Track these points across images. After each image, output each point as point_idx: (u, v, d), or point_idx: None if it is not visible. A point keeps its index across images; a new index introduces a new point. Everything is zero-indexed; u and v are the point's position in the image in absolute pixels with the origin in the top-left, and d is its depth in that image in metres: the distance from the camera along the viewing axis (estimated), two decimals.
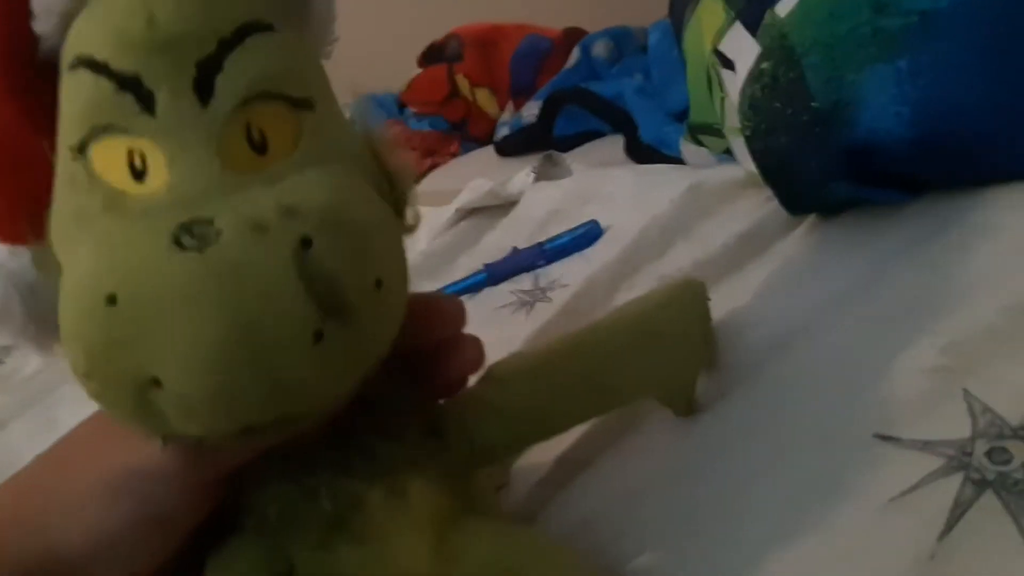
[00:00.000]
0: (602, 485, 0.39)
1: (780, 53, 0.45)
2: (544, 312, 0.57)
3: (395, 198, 0.30)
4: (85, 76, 0.26)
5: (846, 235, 0.46)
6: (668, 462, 0.38)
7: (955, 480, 0.28)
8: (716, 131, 0.64)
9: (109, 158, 0.26)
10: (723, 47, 0.52)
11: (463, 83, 1.35)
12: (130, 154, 0.25)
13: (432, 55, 1.43)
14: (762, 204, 0.55)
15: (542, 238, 0.68)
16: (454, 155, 1.34)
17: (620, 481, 0.38)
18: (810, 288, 0.43)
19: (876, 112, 0.40)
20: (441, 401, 0.35)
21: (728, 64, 0.52)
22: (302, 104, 0.28)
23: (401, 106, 1.47)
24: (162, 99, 0.25)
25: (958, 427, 0.30)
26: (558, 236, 0.67)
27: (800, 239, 0.49)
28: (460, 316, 0.35)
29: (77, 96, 0.26)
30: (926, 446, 0.30)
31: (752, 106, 0.46)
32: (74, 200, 0.26)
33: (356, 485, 0.30)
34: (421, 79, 1.41)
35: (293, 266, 0.23)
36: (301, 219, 0.24)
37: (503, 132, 1.20)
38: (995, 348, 0.32)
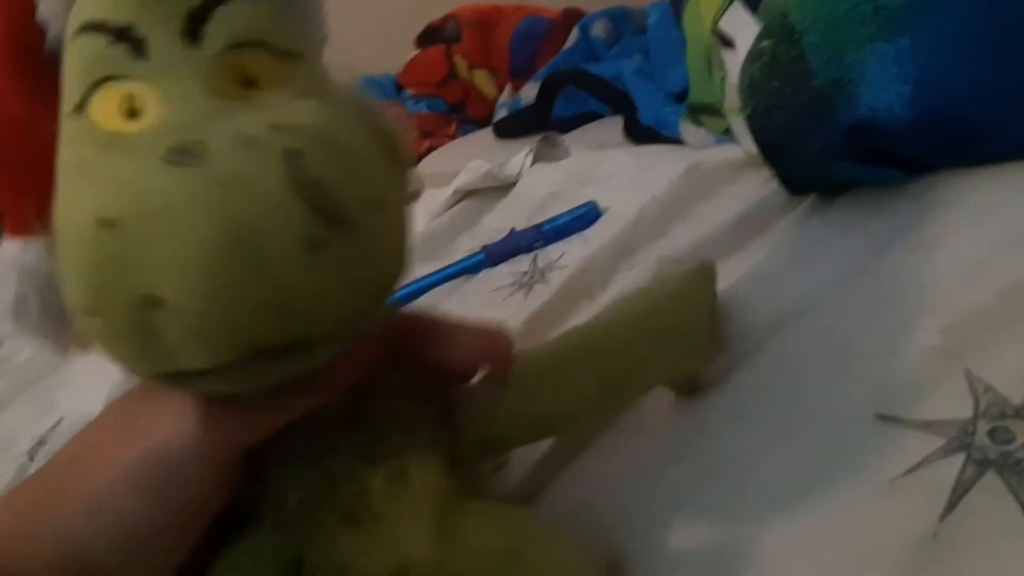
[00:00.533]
0: (602, 466, 0.39)
1: (780, 31, 0.44)
2: (542, 294, 0.57)
3: (394, 160, 0.29)
4: (83, 40, 0.27)
5: (846, 215, 0.45)
6: (668, 442, 0.38)
7: (957, 460, 0.28)
8: (716, 111, 0.64)
9: (106, 107, 0.26)
10: (723, 26, 0.52)
11: (461, 64, 1.34)
12: (126, 99, 0.26)
13: (429, 36, 1.42)
14: (762, 184, 0.54)
15: (540, 219, 0.68)
16: (452, 137, 1.34)
17: (620, 462, 0.38)
18: (810, 268, 0.43)
19: (877, 91, 0.40)
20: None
21: (728, 43, 0.51)
22: (291, 55, 0.28)
23: (399, 88, 1.46)
24: (153, 43, 0.26)
25: (960, 407, 0.30)
26: (556, 217, 0.67)
27: (800, 219, 0.49)
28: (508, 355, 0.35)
29: (77, 60, 0.27)
30: (928, 426, 0.30)
31: (752, 85, 0.46)
32: (75, 155, 0.26)
33: (359, 470, 0.30)
34: (418, 60, 1.40)
35: (284, 173, 0.23)
36: (291, 133, 0.24)
37: (501, 114, 1.20)
38: (996, 328, 0.32)
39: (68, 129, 0.27)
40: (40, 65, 0.29)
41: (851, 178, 0.45)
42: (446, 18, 1.39)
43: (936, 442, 0.29)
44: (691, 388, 0.39)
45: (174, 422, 0.28)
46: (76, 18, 0.27)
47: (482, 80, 1.33)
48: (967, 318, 0.33)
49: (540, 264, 0.63)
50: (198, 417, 0.28)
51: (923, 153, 0.42)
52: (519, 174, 0.80)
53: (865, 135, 0.41)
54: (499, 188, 0.82)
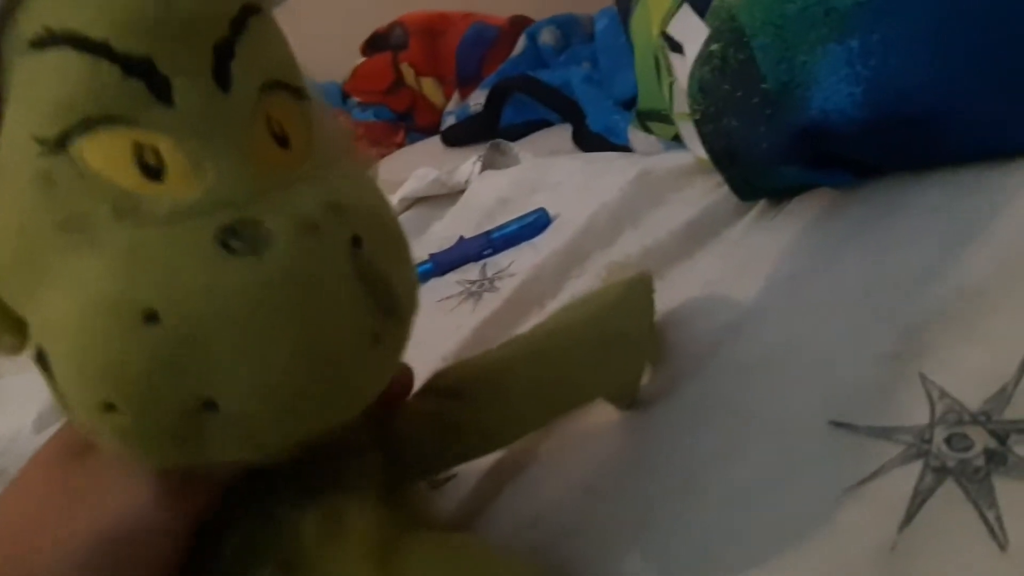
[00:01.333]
0: (552, 479, 0.37)
1: (730, 34, 0.44)
2: (492, 302, 0.56)
3: None
4: (69, 56, 0.22)
5: (797, 220, 0.45)
6: (620, 454, 0.37)
7: (914, 468, 0.27)
8: (665, 117, 0.64)
9: (110, 154, 0.22)
10: (671, 30, 0.51)
11: (408, 72, 1.33)
12: (138, 149, 0.22)
13: (376, 43, 1.40)
14: (712, 190, 0.54)
15: (489, 227, 0.67)
16: (400, 145, 1.32)
17: (571, 475, 0.37)
18: (761, 274, 0.42)
19: (828, 93, 0.39)
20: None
21: (677, 47, 0.51)
22: (302, 94, 0.26)
23: (345, 95, 1.45)
24: (180, 87, 0.22)
25: (916, 413, 0.29)
26: (505, 225, 0.66)
27: (750, 225, 0.49)
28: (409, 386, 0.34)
29: (54, 79, 0.22)
30: (883, 433, 0.29)
31: (702, 89, 0.45)
32: (57, 205, 0.22)
33: (292, 513, 0.28)
34: (365, 68, 1.39)
35: (351, 267, 0.22)
36: (350, 217, 0.22)
37: (449, 121, 1.19)
38: (951, 332, 0.31)
39: (36, 166, 0.22)
40: None
41: (802, 181, 0.44)
42: (393, 25, 1.37)
43: (893, 450, 0.28)
44: (630, 402, 0.38)
45: (128, 497, 0.25)
46: (44, 14, 0.22)
47: (429, 88, 1.32)
48: (921, 322, 0.33)
49: (489, 272, 0.62)
50: (155, 490, 0.25)
51: (874, 155, 0.41)
52: (467, 181, 0.80)
53: (816, 138, 0.41)
54: (447, 195, 0.81)
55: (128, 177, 0.22)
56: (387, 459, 0.31)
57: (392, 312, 0.23)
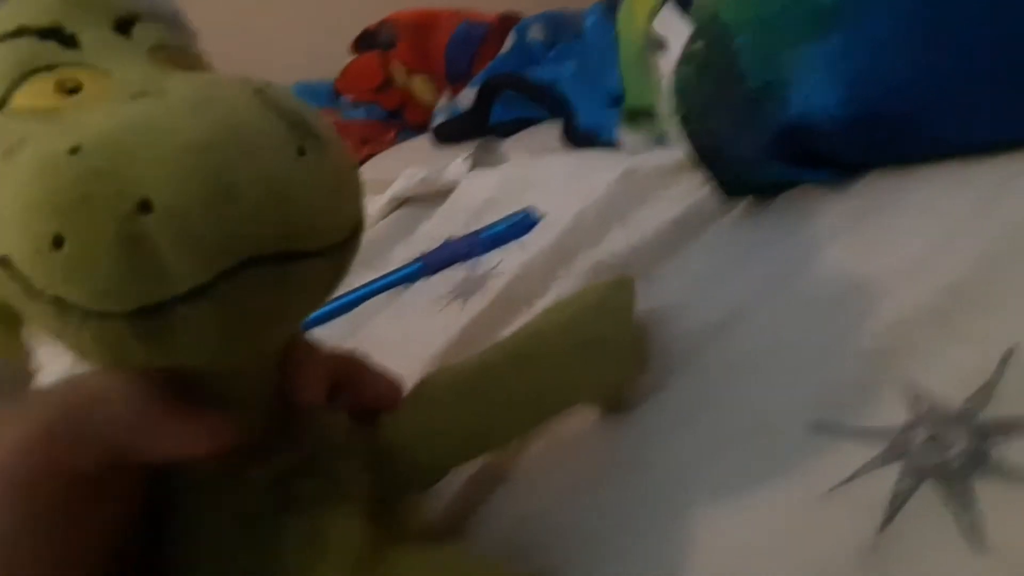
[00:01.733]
0: (536, 484, 0.37)
1: (713, 32, 0.44)
2: (480, 302, 0.55)
3: None
4: (2, 49, 0.27)
5: (781, 217, 0.45)
6: (603, 457, 0.36)
7: (894, 470, 0.27)
8: (651, 114, 0.63)
9: (34, 92, 0.26)
10: (656, 28, 0.51)
11: (398, 70, 1.33)
12: (60, 83, 0.26)
13: (366, 41, 1.40)
14: (697, 187, 0.54)
15: (478, 226, 0.67)
16: (391, 143, 1.32)
17: (557, 477, 0.37)
18: (745, 272, 0.42)
19: (810, 91, 0.39)
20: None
21: (661, 45, 0.51)
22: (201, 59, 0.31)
23: (336, 94, 1.44)
24: (86, 36, 0.27)
25: (895, 414, 0.29)
26: (494, 224, 0.66)
27: (735, 222, 0.49)
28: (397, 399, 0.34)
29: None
30: (864, 434, 0.29)
31: (685, 87, 0.45)
32: (10, 138, 0.24)
33: (270, 526, 0.28)
34: (355, 66, 1.39)
35: (258, 98, 0.24)
36: (253, 82, 0.25)
37: (439, 119, 1.18)
38: (931, 332, 0.31)
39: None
40: None
41: (786, 180, 0.44)
42: (382, 23, 1.37)
43: (872, 451, 0.28)
44: (616, 404, 0.38)
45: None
46: None
47: (420, 85, 1.32)
48: (903, 321, 0.32)
49: (478, 272, 0.62)
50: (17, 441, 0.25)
51: (857, 153, 0.41)
52: (456, 181, 0.79)
53: (799, 136, 0.41)
54: (436, 195, 0.81)
55: (50, 101, 0.26)
56: (377, 469, 0.31)
57: (311, 136, 0.24)
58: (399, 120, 1.36)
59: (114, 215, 0.22)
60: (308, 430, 0.30)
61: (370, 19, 1.40)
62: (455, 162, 0.82)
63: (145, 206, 0.22)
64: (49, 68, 0.26)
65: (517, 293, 0.55)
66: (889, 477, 0.27)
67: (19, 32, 0.27)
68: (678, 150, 0.56)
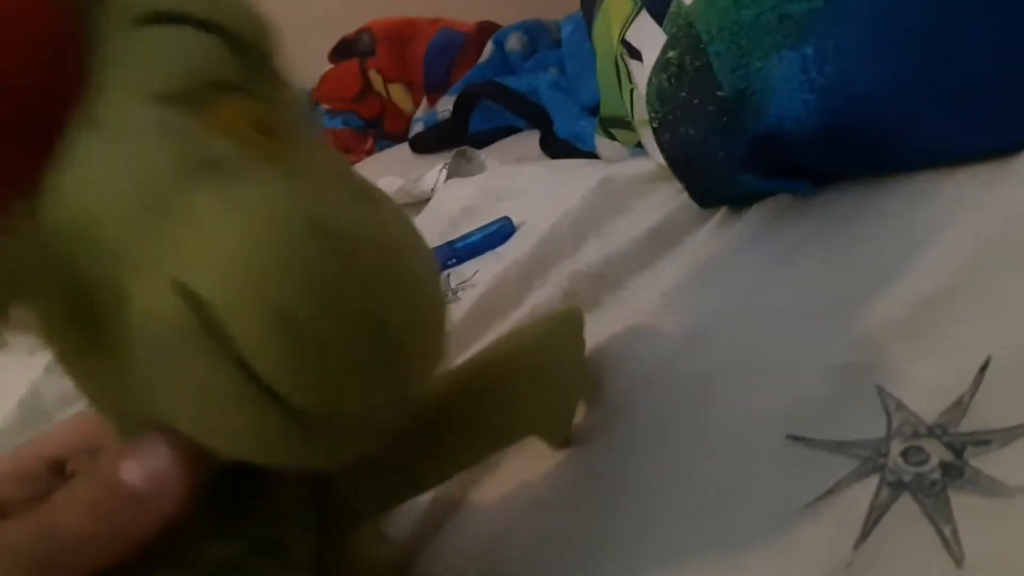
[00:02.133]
0: (510, 500, 0.37)
1: (686, 41, 0.43)
2: (455, 312, 0.55)
3: None
4: (186, 31, 0.22)
5: (755, 228, 0.44)
6: (580, 472, 0.36)
7: (871, 483, 0.27)
8: (627, 124, 0.63)
9: (234, 115, 0.22)
10: (630, 37, 0.51)
11: (376, 79, 1.32)
12: (259, 122, 0.23)
13: (343, 50, 1.39)
14: (673, 197, 0.54)
15: (454, 236, 0.67)
16: (369, 153, 1.32)
17: (529, 494, 0.36)
18: (720, 283, 0.42)
19: (783, 100, 0.39)
20: None
21: (635, 54, 0.50)
22: None
23: (313, 103, 1.43)
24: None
25: (872, 426, 0.29)
26: (470, 234, 0.65)
27: (710, 232, 0.48)
28: None
29: (166, 48, 0.22)
30: (840, 447, 0.29)
31: (659, 96, 0.45)
32: (187, 150, 0.21)
33: (212, 546, 0.26)
34: (332, 75, 1.38)
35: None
36: None
37: (417, 128, 1.18)
38: (907, 343, 0.31)
39: (173, 125, 0.21)
40: None
41: (759, 190, 0.44)
42: (360, 31, 1.36)
43: (849, 464, 0.28)
44: (566, 441, 0.37)
45: None
46: (143, 5, 0.22)
47: (398, 94, 1.31)
48: (877, 332, 0.32)
49: (453, 283, 0.61)
50: None
51: (830, 163, 0.41)
52: (433, 190, 0.79)
53: (772, 145, 0.40)
54: (413, 204, 0.80)
55: (250, 134, 0.22)
56: (322, 507, 0.30)
57: None
58: (376, 129, 1.36)
59: (364, 323, 0.21)
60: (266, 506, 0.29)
61: (348, 28, 1.39)
62: (432, 171, 0.81)
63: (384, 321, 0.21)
64: (238, 90, 0.23)
65: (493, 304, 0.54)
66: (866, 491, 0.27)
67: (181, 18, 0.22)
68: (653, 159, 0.56)
